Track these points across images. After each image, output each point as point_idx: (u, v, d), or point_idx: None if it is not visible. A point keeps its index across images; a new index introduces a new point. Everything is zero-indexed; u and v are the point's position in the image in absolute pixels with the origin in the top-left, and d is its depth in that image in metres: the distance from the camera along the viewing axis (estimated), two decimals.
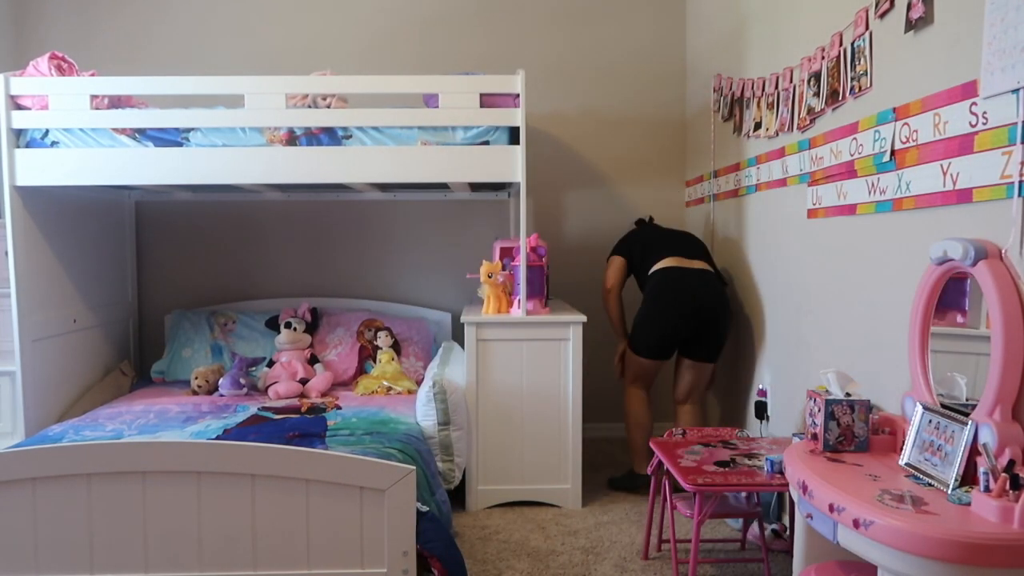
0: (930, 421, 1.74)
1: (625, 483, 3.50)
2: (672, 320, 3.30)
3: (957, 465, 1.60)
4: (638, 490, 3.44)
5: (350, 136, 3.21)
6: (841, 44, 2.43)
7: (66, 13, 4.19)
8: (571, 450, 3.29)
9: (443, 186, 3.93)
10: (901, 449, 1.81)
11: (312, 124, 3.20)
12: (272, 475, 2.16)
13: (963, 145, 1.80)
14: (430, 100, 3.31)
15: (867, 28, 2.26)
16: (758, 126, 3.19)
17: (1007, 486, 1.46)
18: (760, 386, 2.99)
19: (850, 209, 2.39)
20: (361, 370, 3.87)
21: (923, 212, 2.00)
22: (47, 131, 3.20)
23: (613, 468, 3.81)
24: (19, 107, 3.21)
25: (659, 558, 2.80)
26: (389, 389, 3.64)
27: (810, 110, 2.66)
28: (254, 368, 3.72)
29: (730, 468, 2.40)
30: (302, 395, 3.60)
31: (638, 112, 4.34)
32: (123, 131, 3.20)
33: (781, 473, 2.26)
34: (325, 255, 4.31)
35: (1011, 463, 1.50)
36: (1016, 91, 1.61)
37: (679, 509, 2.54)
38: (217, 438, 2.79)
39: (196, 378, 3.61)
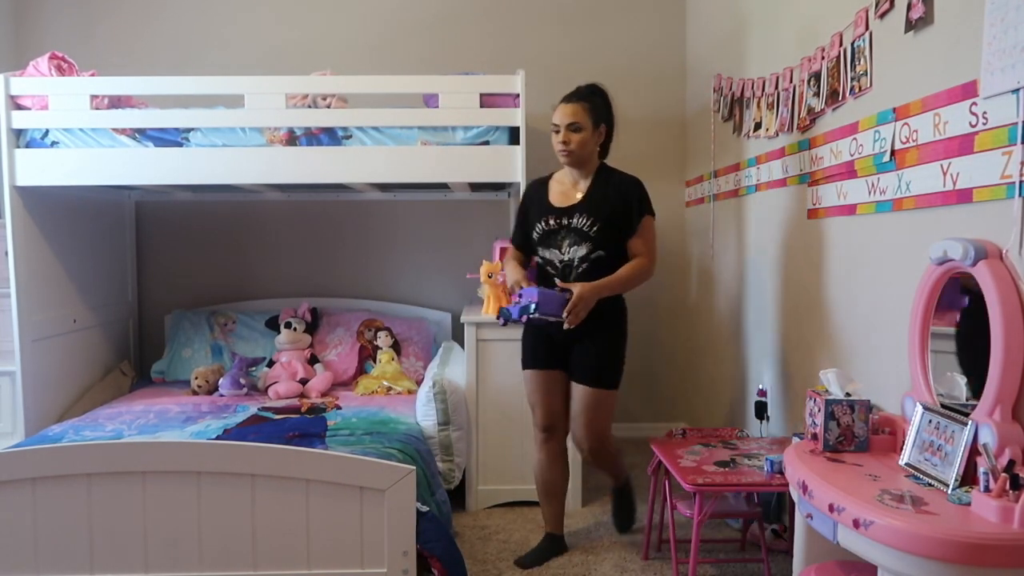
0: (930, 421, 1.74)
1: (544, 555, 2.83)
2: None
3: (957, 465, 1.60)
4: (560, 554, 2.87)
5: (350, 136, 3.21)
6: (841, 44, 2.43)
7: (66, 13, 4.18)
8: (571, 450, 3.28)
9: (443, 186, 3.93)
10: (901, 449, 1.81)
11: (312, 124, 3.20)
12: (272, 475, 2.16)
13: (963, 145, 1.80)
14: (430, 100, 3.31)
15: (867, 28, 2.26)
16: (758, 126, 3.19)
17: (1007, 486, 1.46)
18: (760, 386, 2.99)
19: (850, 209, 2.39)
20: (361, 370, 3.87)
21: (923, 212, 2.00)
22: (47, 131, 3.20)
23: None
24: (19, 107, 3.21)
25: (659, 558, 2.80)
26: (389, 389, 3.64)
27: (810, 110, 2.66)
28: (254, 368, 3.72)
29: (730, 468, 2.40)
30: (302, 395, 3.60)
31: (638, 112, 4.33)
32: (123, 131, 3.20)
33: (781, 473, 2.26)
34: (325, 255, 4.31)
35: (1011, 463, 1.50)
36: (1016, 91, 1.61)
37: (679, 509, 2.54)
38: (217, 438, 2.80)
39: (196, 378, 3.61)
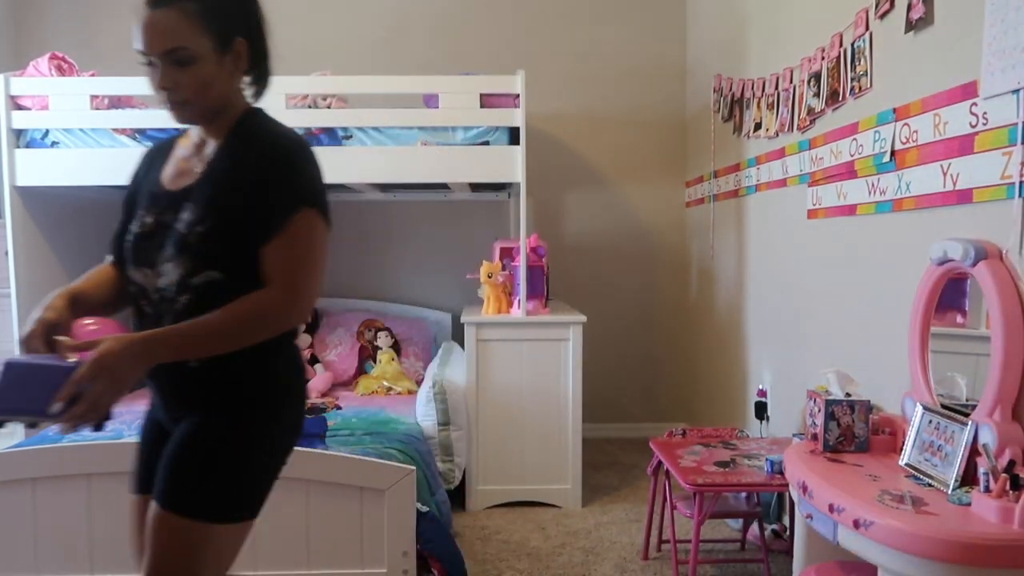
0: (930, 421, 1.74)
1: None
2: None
3: (957, 465, 1.60)
4: None
5: (350, 136, 3.21)
6: (841, 44, 2.43)
7: (66, 13, 4.18)
8: (571, 450, 3.28)
9: (443, 186, 3.92)
10: (901, 449, 1.81)
11: (312, 124, 3.19)
12: None
13: (963, 145, 1.80)
14: (430, 100, 3.31)
15: (867, 28, 2.27)
16: (758, 126, 3.19)
17: (1007, 486, 1.46)
18: (760, 386, 2.99)
19: (850, 209, 2.39)
20: (361, 370, 3.87)
21: (923, 212, 2.00)
22: (47, 131, 3.20)
23: (613, 468, 3.81)
24: (19, 107, 3.21)
25: (659, 558, 2.80)
26: (389, 389, 3.64)
27: (810, 110, 2.66)
28: None
29: (730, 468, 2.40)
30: None
31: (638, 112, 4.33)
32: (123, 131, 3.19)
33: (781, 473, 2.26)
34: None
35: (1011, 463, 1.50)
36: (1016, 91, 1.61)
37: (679, 509, 2.54)
38: None
39: None
